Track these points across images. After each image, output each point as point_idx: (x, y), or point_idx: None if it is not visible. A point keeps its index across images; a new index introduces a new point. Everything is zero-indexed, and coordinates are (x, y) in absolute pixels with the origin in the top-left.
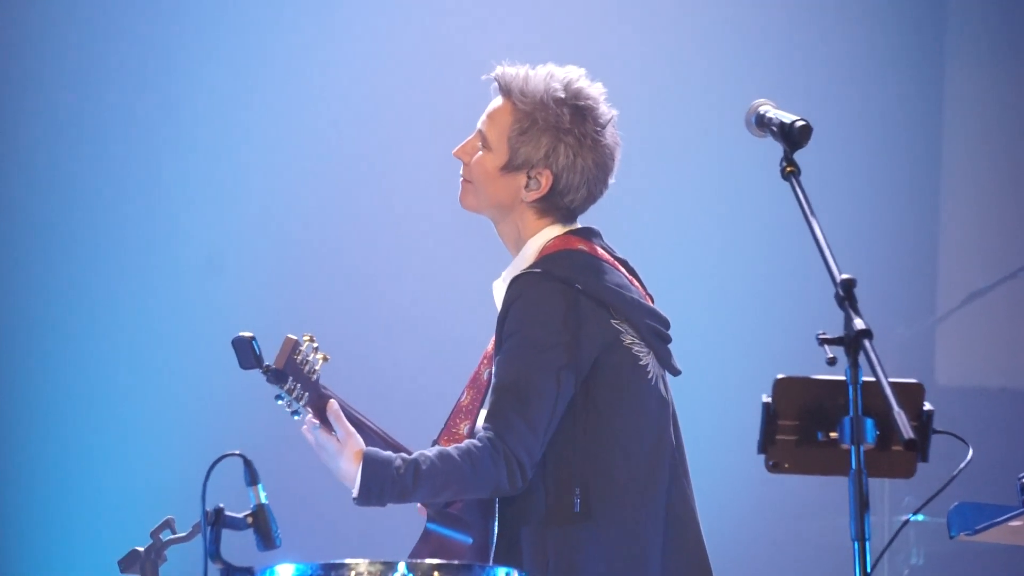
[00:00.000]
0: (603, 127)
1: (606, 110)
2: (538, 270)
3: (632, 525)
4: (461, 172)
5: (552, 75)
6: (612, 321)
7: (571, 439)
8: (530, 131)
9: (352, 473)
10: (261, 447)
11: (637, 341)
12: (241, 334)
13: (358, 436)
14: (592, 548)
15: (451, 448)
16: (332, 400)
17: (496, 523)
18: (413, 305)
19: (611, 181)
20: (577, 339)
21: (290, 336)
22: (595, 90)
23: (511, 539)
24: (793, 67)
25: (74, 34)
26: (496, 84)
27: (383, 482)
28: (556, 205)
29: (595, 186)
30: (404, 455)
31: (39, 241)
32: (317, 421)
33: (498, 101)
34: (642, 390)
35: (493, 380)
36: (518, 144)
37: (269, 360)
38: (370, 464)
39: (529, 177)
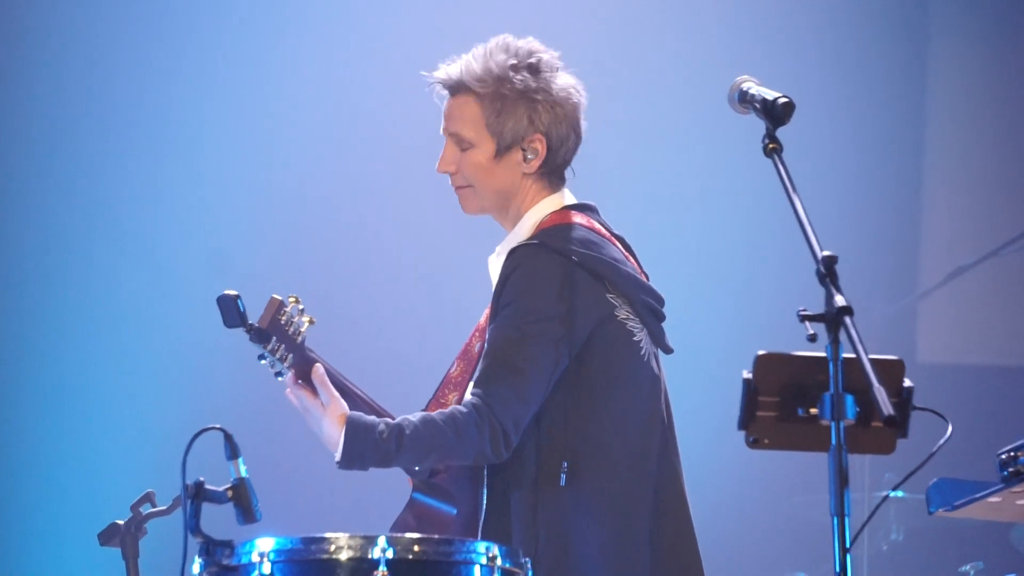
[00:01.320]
0: (559, 71)
1: (551, 54)
2: (535, 242)
3: (622, 500)
4: (452, 183)
5: (492, 50)
6: (608, 295)
7: (562, 412)
8: (505, 108)
9: (335, 437)
10: (241, 421)
11: (632, 317)
12: (226, 292)
13: (342, 400)
14: (582, 522)
15: (435, 414)
16: (318, 364)
17: (485, 494)
18: (406, 276)
19: (584, 124)
20: (572, 311)
21: (275, 296)
22: (534, 43)
23: (500, 511)
24: (776, 44)
25: (79, 32)
26: (441, 86)
27: (365, 446)
28: (553, 165)
29: (578, 128)
30: (388, 420)
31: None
32: (299, 382)
33: (454, 100)
34: (635, 365)
35: (486, 347)
36: (500, 125)
37: (253, 320)
38: (353, 428)
39: (524, 149)
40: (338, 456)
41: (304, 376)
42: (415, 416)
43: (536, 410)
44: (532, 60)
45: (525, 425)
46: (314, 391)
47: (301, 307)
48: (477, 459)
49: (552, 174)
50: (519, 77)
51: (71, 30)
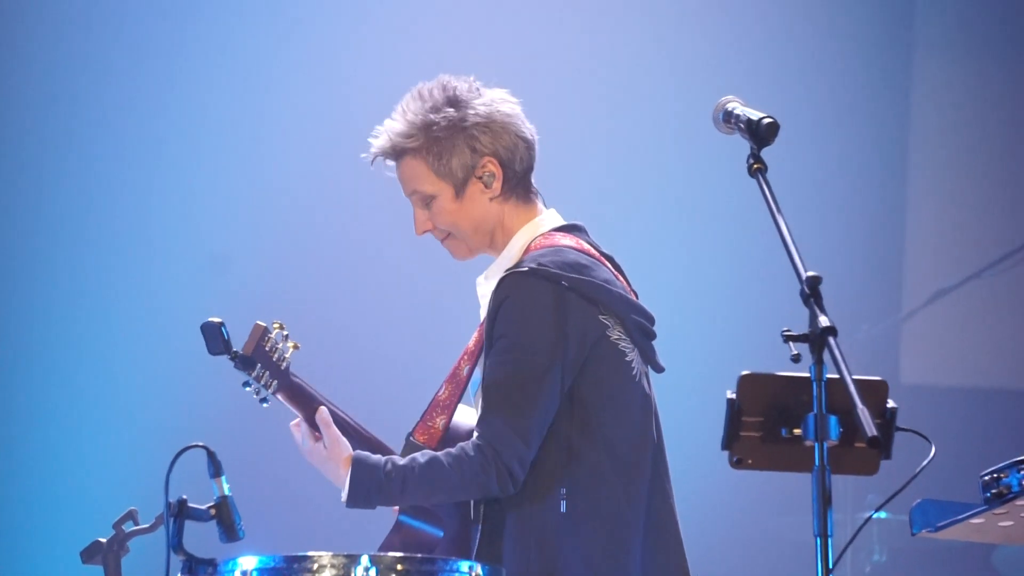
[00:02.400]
0: (478, 91)
1: (467, 80)
2: (525, 268)
3: (614, 524)
4: (436, 238)
5: (406, 105)
6: (600, 316)
7: (556, 436)
8: (443, 149)
9: (341, 478)
10: (224, 439)
11: (623, 337)
12: (210, 319)
13: (345, 441)
14: (574, 546)
15: (441, 455)
16: (322, 409)
17: (480, 525)
18: (395, 299)
19: (530, 127)
20: (566, 339)
21: (259, 323)
22: (444, 78)
23: (493, 534)
24: (760, 62)
25: (75, 33)
26: (380, 159)
27: (371, 488)
28: (516, 179)
29: (522, 133)
30: (394, 459)
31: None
32: (291, 407)
33: (398, 166)
34: (627, 386)
35: (484, 384)
36: (446, 167)
37: (238, 347)
38: (359, 470)
39: (479, 178)
40: (344, 496)
41: (291, 400)
42: (422, 456)
43: (539, 444)
44: (448, 95)
45: (530, 461)
46: (314, 426)
47: (285, 333)
48: (484, 497)
49: (519, 187)
50: (441, 116)
51: (66, 32)
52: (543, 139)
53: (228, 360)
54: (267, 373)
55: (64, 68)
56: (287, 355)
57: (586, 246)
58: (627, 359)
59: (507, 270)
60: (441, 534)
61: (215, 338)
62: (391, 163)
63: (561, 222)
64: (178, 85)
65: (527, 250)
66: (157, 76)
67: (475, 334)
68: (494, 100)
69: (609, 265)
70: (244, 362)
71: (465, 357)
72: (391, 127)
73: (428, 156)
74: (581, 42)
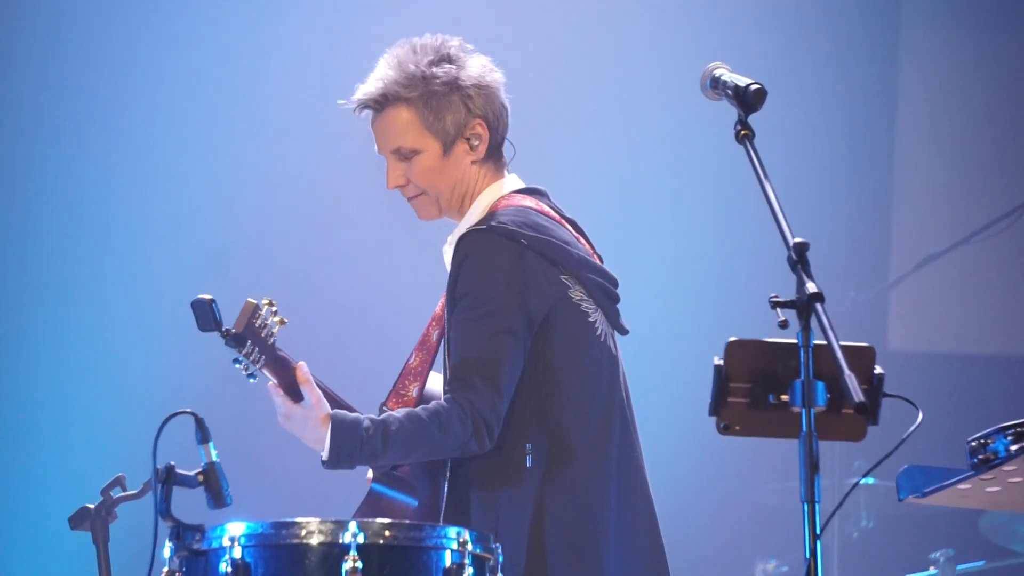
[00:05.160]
0: (471, 54)
1: (458, 40)
2: (484, 227)
3: (585, 483)
4: (404, 195)
5: (402, 56)
6: (560, 276)
7: (520, 396)
8: (440, 105)
9: (321, 437)
10: (212, 405)
11: (585, 298)
12: (201, 296)
13: (325, 401)
14: (543, 505)
15: (419, 409)
16: (301, 363)
17: (447, 484)
18: (361, 267)
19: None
20: (527, 294)
21: (250, 300)
22: (436, 36)
23: (461, 501)
24: (747, 31)
25: (72, 31)
26: (365, 105)
27: (353, 446)
28: (495, 145)
29: (505, 102)
30: (372, 417)
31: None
32: (275, 380)
33: (384, 115)
34: (592, 347)
35: (452, 343)
36: (441, 123)
37: (228, 324)
38: (339, 428)
39: (467, 139)
40: (325, 456)
41: (277, 375)
42: (400, 412)
43: (511, 397)
44: (448, 52)
45: (504, 414)
46: (291, 395)
47: (275, 309)
48: (463, 453)
49: (495, 153)
50: (442, 71)
51: (64, 29)
52: (529, 106)
53: (219, 337)
54: (256, 349)
55: (62, 63)
56: (275, 330)
57: (547, 208)
58: (590, 319)
59: (467, 228)
60: (415, 503)
61: (205, 315)
62: (370, 114)
63: (521, 185)
64: (176, 77)
65: (487, 211)
66: (155, 69)
67: (441, 300)
68: (484, 64)
69: (571, 228)
70: (236, 340)
71: (433, 323)
72: (386, 76)
73: (423, 109)
74: (569, 11)
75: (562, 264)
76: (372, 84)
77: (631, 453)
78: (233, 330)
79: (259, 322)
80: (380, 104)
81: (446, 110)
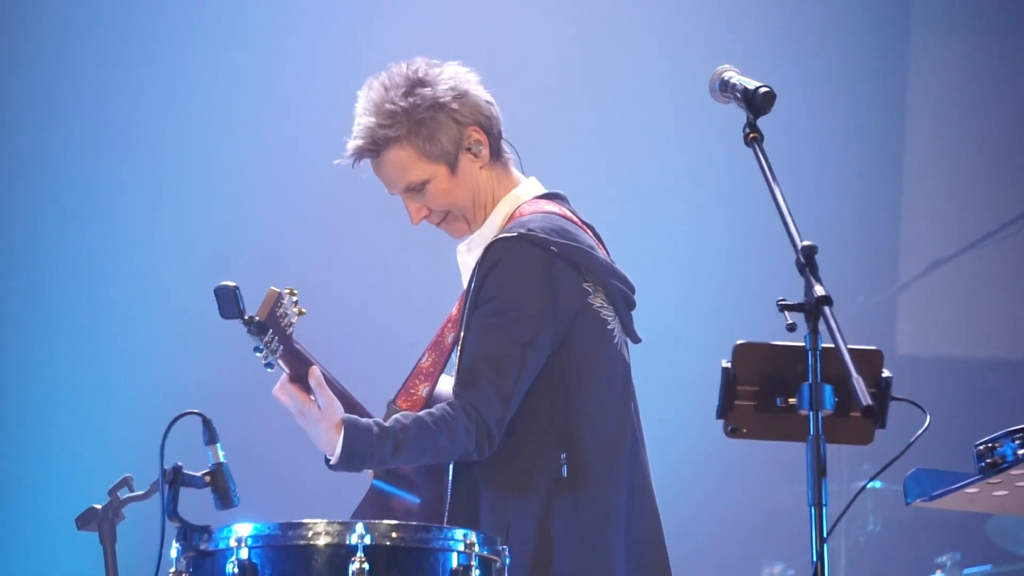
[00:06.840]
0: (439, 67)
1: (422, 59)
2: (514, 233)
3: (598, 494)
4: (432, 222)
5: (375, 98)
6: (584, 284)
7: (537, 403)
8: (430, 130)
9: (332, 440)
10: (220, 406)
11: (605, 305)
12: (224, 283)
13: (339, 404)
14: (556, 511)
15: (424, 415)
16: (314, 367)
17: (451, 485)
18: (377, 266)
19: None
20: (554, 305)
21: (274, 288)
22: (399, 65)
23: (469, 503)
24: (757, 35)
25: (76, 31)
26: (360, 156)
27: (364, 453)
28: (496, 143)
29: (488, 97)
30: (380, 422)
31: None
32: (287, 370)
33: (381, 163)
34: (608, 355)
35: (468, 346)
36: (437, 147)
37: (249, 311)
38: (351, 434)
39: (468, 149)
40: (335, 460)
41: (289, 367)
42: (406, 418)
43: (520, 405)
44: (415, 76)
45: (507, 423)
46: (305, 390)
47: (296, 299)
48: (464, 458)
49: (497, 150)
50: (419, 98)
51: (69, 30)
52: (537, 111)
53: (241, 325)
54: (276, 339)
55: (68, 65)
56: (294, 320)
57: (569, 213)
58: (609, 327)
59: (496, 236)
60: (418, 500)
61: (229, 302)
62: (369, 162)
63: (542, 190)
64: (185, 78)
65: (511, 217)
66: (163, 69)
67: (458, 302)
68: (456, 72)
69: (590, 233)
70: (259, 327)
71: (448, 325)
72: (367, 123)
73: (418, 140)
74: (580, 14)
75: (588, 271)
76: (359, 135)
77: (640, 463)
78: (257, 318)
79: (280, 311)
80: (374, 152)
81: (438, 132)
